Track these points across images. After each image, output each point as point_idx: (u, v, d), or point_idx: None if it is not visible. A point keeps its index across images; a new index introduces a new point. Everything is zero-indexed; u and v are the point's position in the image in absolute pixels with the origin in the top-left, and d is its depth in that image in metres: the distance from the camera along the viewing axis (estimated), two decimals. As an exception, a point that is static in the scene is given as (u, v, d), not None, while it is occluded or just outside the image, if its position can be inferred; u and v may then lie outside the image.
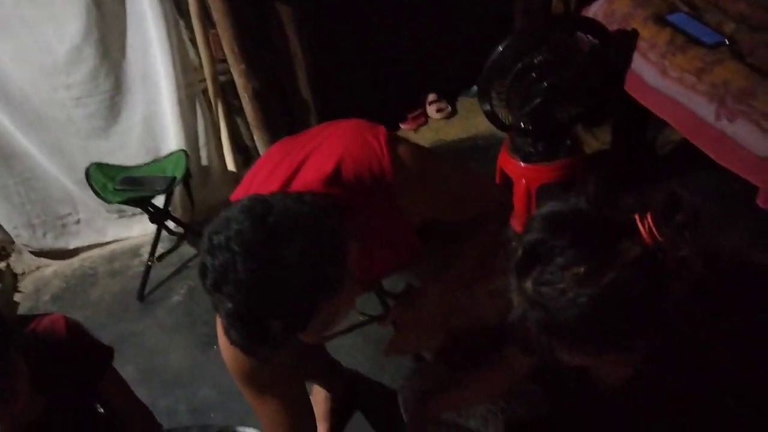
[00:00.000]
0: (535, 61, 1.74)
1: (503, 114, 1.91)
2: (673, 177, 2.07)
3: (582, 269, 0.74)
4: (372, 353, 1.86)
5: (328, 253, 0.87)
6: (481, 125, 2.57)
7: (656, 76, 1.65)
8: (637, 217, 0.75)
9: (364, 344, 1.89)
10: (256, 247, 0.82)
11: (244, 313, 0.83)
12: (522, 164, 1.96)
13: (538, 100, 1.80)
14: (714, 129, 1.51)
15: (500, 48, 1.74)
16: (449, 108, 2.81)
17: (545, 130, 1.91)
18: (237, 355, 1.10)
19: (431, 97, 2.80)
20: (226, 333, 0.89)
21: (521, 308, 0.80)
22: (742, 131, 1.44)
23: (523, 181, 1.96)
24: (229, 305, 0.82)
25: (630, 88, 1.78)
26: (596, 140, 2.31)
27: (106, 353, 1.31)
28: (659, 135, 2.27)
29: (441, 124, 2.76)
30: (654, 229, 0.74)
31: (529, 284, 0.78)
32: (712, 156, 1.54)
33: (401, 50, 2.63)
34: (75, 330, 1.24)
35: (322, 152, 1.03)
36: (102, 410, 1.37)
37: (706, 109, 1.52)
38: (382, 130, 1.05)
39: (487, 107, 1.88)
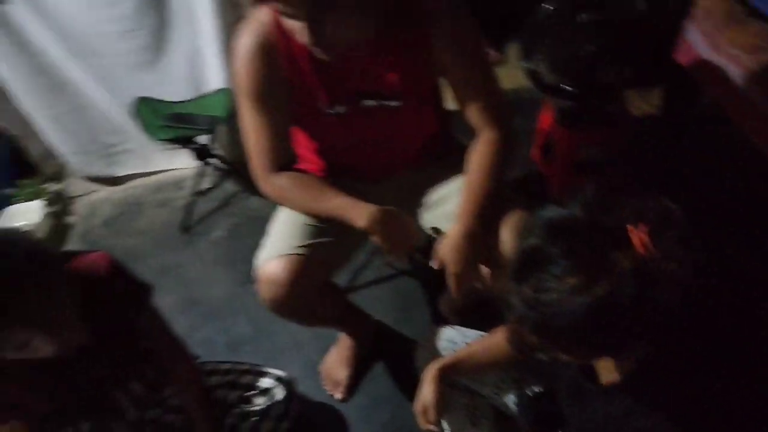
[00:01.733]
0: (584, 20, 1.66)
1: (546, 73, 1.85)
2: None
3: (575, 280, 0.77)
4: (398, 305, 1.94)
5: None
6: (529, 76, 2.49)
7: (707, 48, 1.57)
8: (630, 228, 0.77)
9: (391, 296, 1.97)
10: None
11: None
12: (563, 127, 1.92)
13: (583, 62, 1.74)
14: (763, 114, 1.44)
15: (548, 5, 1.67)
16: (498, 55, 2.72)
17: (590, 94, 1.85)
18: (250, 70, 1.25)
19: (478, 41, 2.71)
20: None
21: (518, 309, 0.84)
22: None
23: (563, 145, 1.93)
24: None
25: (681, 55, 1.70)
26: (646, 103, 2.22)
27: (144, 290, 1.39)
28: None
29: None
30: (646, 242, 0.76)
31: (526, 289, 0.82)
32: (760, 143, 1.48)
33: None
34: (115, 268, 1.31)
35: None
36: (141, 344, 1.49)
37: (756, 93, 1.44)
38: None
39: (528, 65, 1.83)
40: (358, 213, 1.28)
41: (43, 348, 1.07)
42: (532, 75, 1.87)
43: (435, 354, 1.43)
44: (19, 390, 1.23)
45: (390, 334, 1.87)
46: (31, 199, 2.55)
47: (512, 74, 2.61)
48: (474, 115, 1.32)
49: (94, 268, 1.27)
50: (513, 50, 2.72)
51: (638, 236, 0.77)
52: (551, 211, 0.86)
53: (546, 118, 2.01)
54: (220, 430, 1.48)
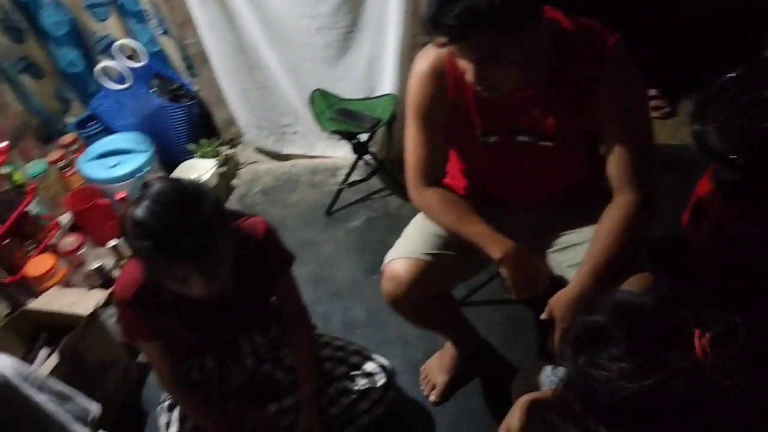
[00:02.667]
0: (765, 97, 1.60)
1: (715, 140, 1.79)
2: None
3: (628, 365, 0.80)
4: (508, 330, 1.99)
5: None
6: (696, 135, 2.40)
7: None
8: (696, 332, 0.79)
9: (502, 321, 2.01)
10: None
11: None
12: (721, 198, 1.85)
13: (759, 137, 1.67)
14: None
15: (731, 74, 1.63)
16: (668, 108, 2.65)
17: (759, 169, 1.76)
18: (420, 91, 1.37)
19: (651, 92, 2.65)
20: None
21: (569, 376, 0.88)
22: None
23: (716, 214, 1.86)
24: None
25: None
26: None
27: (289, 258, 1.57)
28: None
29: (654, 123, 2.62)
30: (707, 350, 0.77)
31: (581, 360, 0.85)
32: None
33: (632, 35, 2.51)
34: (271, 234, 1.50)
35: None
36: (273, 303, 1.65)
37: None
38: None
39: (698, 128, 1.79)
40: (497, 245, 1.34)
41: (197, 287, 1.27)
42: (700, 139, 1.81)
43: (532, 386, 1.46)
44: (168, 319, 1.45)
45: (493, 355, 1.92)
46: (207, 158, 2.88)
47: (680, 130, 2.53)
48: (616, 173, 1.31)
49: (254, 230, 1.46)
50: (686, 106, 2.63)
51: (701, 342, 0.78)
52: (624, 294, 0.89)
53: (705, 184, 1.94)
54: (321, 397, 1.62)
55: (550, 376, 1.47)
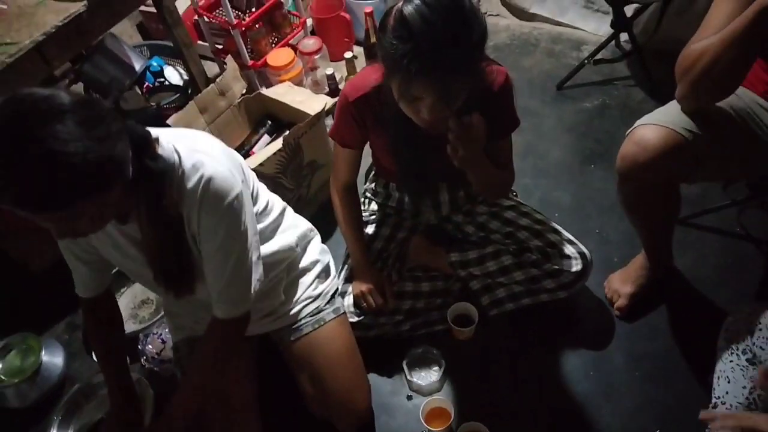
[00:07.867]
0: None
1: None
2: None
3: None
4: (723, 264, 1.79)
5: None
6: None
7: None
8: None
9: (720, 252, 1.80)
10: None
11: None
12: None
13: None
14: None
15: None
16: None
17: None
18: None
19: None
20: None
21: None
22: None
23: None
24: None
25: None
26: None
27: (514, 121, 1.49)
28: None
29: None
30: None
31: None
32: None
33: None
34: (508, 89, 1.41)
35: None
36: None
37: None
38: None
39: None
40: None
41: (423, 111, 1.23)
42: None
43: (747, 332, 1.30)
44: (379, 136, 1.49)
45: (688, 287, 1.76)
46: None
47: None
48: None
49: (493, 78, 1.35)
50: None
51: None
52: None
53: None
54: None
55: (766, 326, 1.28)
